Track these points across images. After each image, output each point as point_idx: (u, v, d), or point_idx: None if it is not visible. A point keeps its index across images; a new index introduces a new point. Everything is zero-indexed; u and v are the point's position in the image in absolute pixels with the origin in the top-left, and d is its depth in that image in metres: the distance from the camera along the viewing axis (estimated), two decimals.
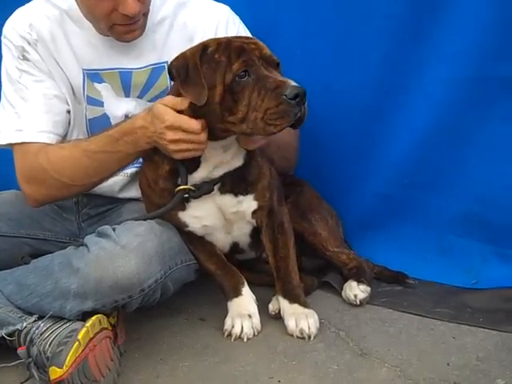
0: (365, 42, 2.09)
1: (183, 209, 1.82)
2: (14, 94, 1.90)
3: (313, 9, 2.15)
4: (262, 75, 1.60)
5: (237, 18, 2.04)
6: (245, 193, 1.84)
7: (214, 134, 1.68)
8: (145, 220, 1.76)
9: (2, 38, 1.93)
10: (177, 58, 1.70)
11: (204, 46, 1.66)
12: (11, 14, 1.95)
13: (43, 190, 1.87)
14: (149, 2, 1.83)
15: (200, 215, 1.83)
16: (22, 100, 1.89)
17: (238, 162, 1.81)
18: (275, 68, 1.66)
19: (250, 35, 2.01)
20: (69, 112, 1.96)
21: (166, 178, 1.80)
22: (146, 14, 1.85)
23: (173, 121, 1.64)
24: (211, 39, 1.71)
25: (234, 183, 1.81)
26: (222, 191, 1.81)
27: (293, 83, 1.57)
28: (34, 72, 1.90)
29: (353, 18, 2.10)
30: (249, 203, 1.85)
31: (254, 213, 1.87)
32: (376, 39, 2.08)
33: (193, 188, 1.76)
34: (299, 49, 2.21)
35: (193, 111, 1.65)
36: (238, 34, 1.96)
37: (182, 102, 1.66)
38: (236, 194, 1.82)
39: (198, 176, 1.77)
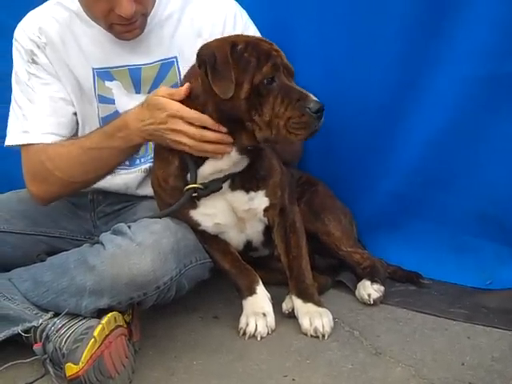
0: (379, 41, 2.09)
1: (194, 207, 1.82)
2: (21, 96, 1.94)
3: (328, 10, 2.15)
4: (285, 84, 1.64)
5: (244, 13, 2.05)
6: (256, 189, 1.83)
7: (240, 142, 1.69)
8: (151, 218, 1.75)
9: (14, 41, 1.97)
10: (206, 48, 1.67)
11: (233, 43, 1.66)
12: (22, 17, 1.98)
13: (46, 187, 1.90)
14: (148, 3, 1.84)
15: (211, 213, 1.83)
16: (28, 102, 1.93)
17: (245, 162, 1.79)
18: (292, 77, 1.70)
19: (256, 30, 2.03)
20: (75, 114, 1.99)
21: (175, 176, 1.79)
22: (145, 14, 1.86)
23: (176, 109, 1.65)
24: (237, 36, 1.73)
25: (245, 179, 1.81)
26: (233, 188, 1.81)
27: (315, 98, 1.62)
28: (41, 75, 1.94)
29: (367, 17, 2.09)
30: (260, 200, 1.85)
31: (266, 210, 1.87)
32: (390, 38, 2.07)
33: (201, 186, 1.76)
34: (314, 49, 2.21)
35: (216, 104, 1.65)
36: (246, 29, 1.99)
37: (178, 92, 1.67)
38: (247, 191, 1.82)
39: (205, 171, 1.75)
